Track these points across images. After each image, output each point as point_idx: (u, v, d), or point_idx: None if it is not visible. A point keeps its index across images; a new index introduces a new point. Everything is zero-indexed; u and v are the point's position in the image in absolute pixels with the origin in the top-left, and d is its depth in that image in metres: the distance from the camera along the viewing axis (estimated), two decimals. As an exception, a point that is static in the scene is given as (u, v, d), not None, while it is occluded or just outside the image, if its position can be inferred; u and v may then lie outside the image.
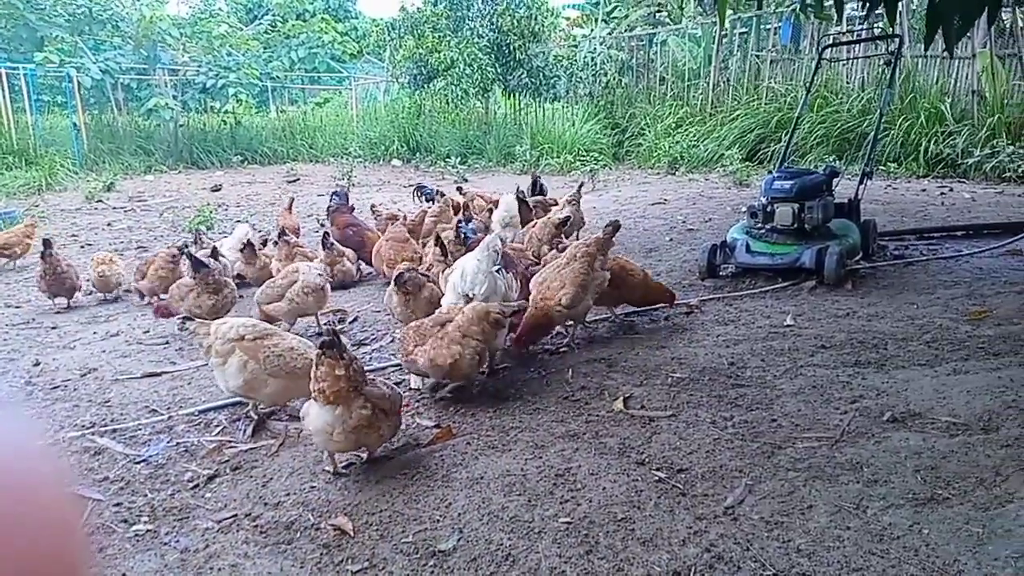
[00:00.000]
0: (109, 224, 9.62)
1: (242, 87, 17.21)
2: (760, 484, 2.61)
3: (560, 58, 16.61)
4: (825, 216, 5.48)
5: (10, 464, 0.45)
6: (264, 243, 6.39)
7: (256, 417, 3.38)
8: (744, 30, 14.97)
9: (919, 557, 2.16)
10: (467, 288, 3.71)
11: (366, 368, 3.01)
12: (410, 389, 3.71)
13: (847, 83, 13.02)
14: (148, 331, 5.01)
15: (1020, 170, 10.07)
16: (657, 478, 2.69)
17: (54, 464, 0.48)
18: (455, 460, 2.91)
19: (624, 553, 2.26)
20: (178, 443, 3.22)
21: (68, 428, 3.41)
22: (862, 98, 12.20)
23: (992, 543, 2.18)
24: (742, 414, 3.21)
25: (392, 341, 4.51)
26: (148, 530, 2.54)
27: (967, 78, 11.65)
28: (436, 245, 4.88)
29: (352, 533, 2.45)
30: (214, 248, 5.77)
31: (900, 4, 8.96)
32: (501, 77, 15.83)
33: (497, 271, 3.80)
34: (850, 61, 12.82)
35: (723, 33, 14.58)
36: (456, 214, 7.21)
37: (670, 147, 13.62)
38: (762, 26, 14.64)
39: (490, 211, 6.82)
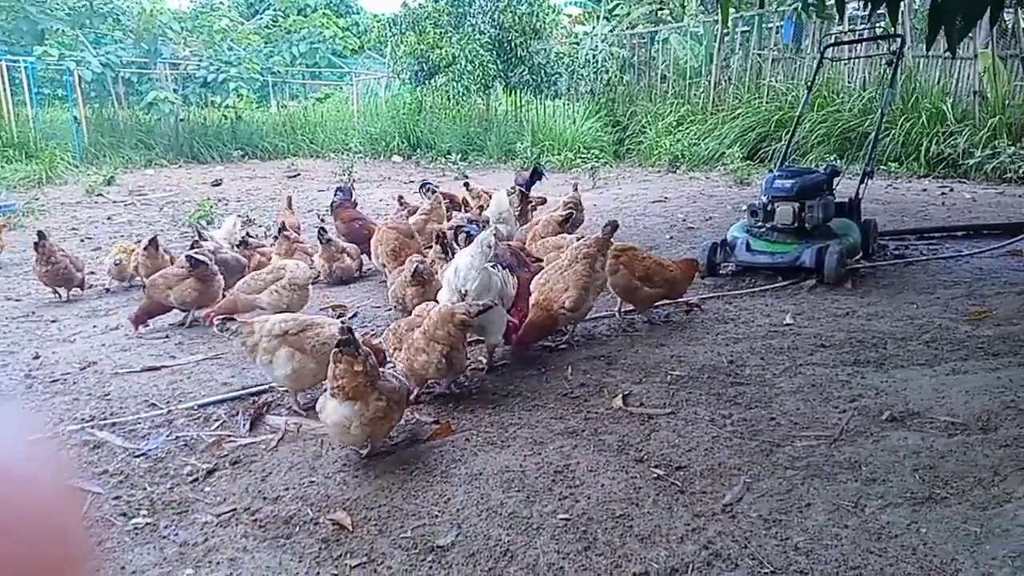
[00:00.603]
0: (109, 218, 9.62)
1: (243, 82, 17.19)
2: (758, 482, 2.62)
3: (561, 55, 16.58)
4: (825, 215, 5.48)
5: (8, 458, 0.45)
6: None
7: (298, 410, 3.42)
8: (746, 29, 14.96)
9: (917, 556, 2.16)
10: (460, 284, 3.69)
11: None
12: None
13: (849, 82, 13.02)
14: (147, 325, 5.01)
15: (1021, 171, 10.07)
16: (656, 475, 2.70)
17: (53, 457, 0.48)
18: (454, 456, 2.91)
19: (622, 550, 2.27)
20: (177, 437, 3.23)
21: (67, 421, 3.41)
22: (863, 97, 12.19)
23: (989, 542, 2.18)
24: (741, 412, 3.22)
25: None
26: (147, 523, 2.55)
27: (969, 78, 11.64)
28: (437, 243, 4.86)
29: (351, 528, 2.46)
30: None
31: (902, 4, 8.95)
32: (502, 74, 15.81)
33: (492, 267, 3.77)
34: (852, 60, 12.81)
35: (725, 31, 14.56)
36: (456, 209, 7.22)
37: (671, 145, 13.61)
38: (764, 25, 14.63)
39: (480, 209, 6.81)
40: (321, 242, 5.83)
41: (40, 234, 5.54)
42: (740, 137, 12.95)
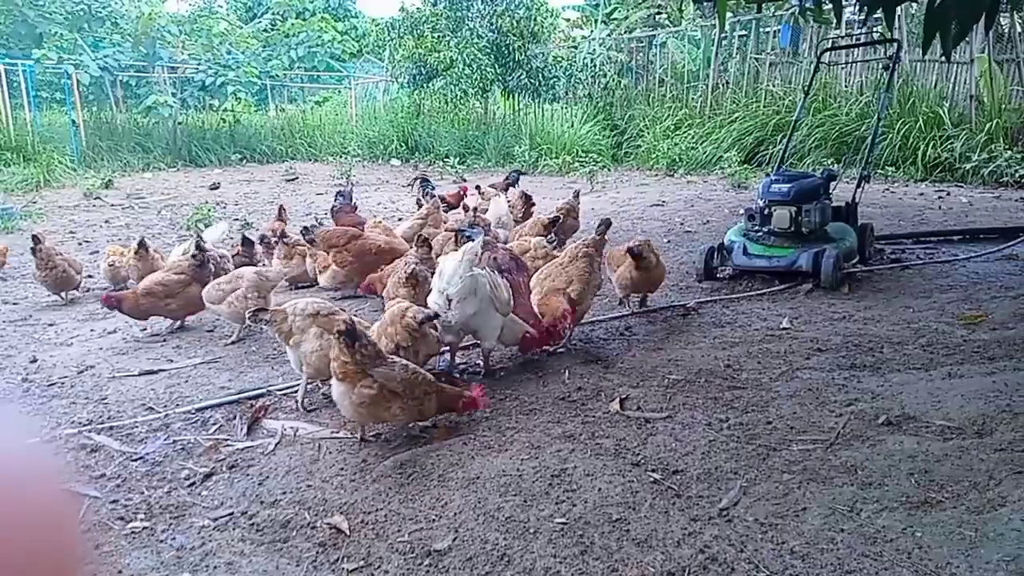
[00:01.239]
0: (107, 221, 9.62)
1: (241, 85, 17.18)
2: (754, 486, 2.63)
3: (559, 59, 16.63)
4: (822, 219, 5.50)
5: (5, 462, 0.45)
6: (262, 240, 6.35)
7: (303, 406, 3.51)
8: (743, 33, 15.00)
9: (912, 560, 2.17)
10: (443, 286, 3.71)
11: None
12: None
13: (846, 87, 13.05)
14: (145, 328, 5.01)
15: (1017, 175, 10.10)
16: (652, 479, 2.70)
17: (50, 461, 0.48)
18: (451, 460, 2.92)
19: (619, 554, 2.27)
20: (175, 441, 3.23)
21: (65, 425, 3.41)
22: (860, 102, 12.23)
23: (984, 547, 2.19)
24: (737, 416, 3.22)
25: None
26: (144, 527, 2.55)
27: (965, 83, 11.68)
28: (420, 245, 4.92)
29: (348, 532, 2.46)
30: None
31: (899, 8, 8.98)
32: (500, 77, 15.84)
33: (481, 272, 3.76)
34: (849, 65, 12.85)
35: (722, 36, 14.60)
36: (455, 207, 7.25)
37: (669, 149, 13.64)
38: (761, 29, 14.67)
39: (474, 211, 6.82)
40: (283, 243, 5.82)
41: (35, 238, 5.55)
42: (738, 141, 12.99)
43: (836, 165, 10.36)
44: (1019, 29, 11.72)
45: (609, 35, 18.14)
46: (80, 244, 8.09)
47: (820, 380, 3.59)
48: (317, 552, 2.37)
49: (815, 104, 11.97)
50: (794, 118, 7.34)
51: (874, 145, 6.54)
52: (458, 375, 3.77)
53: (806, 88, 7.15)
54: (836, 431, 3.01)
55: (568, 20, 24.03)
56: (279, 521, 2.55)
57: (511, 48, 15.36)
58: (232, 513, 2.62)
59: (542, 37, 16.16)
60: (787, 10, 12.68)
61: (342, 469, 2.91)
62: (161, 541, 2.47)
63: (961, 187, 10.34)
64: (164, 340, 4.75)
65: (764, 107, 13.35)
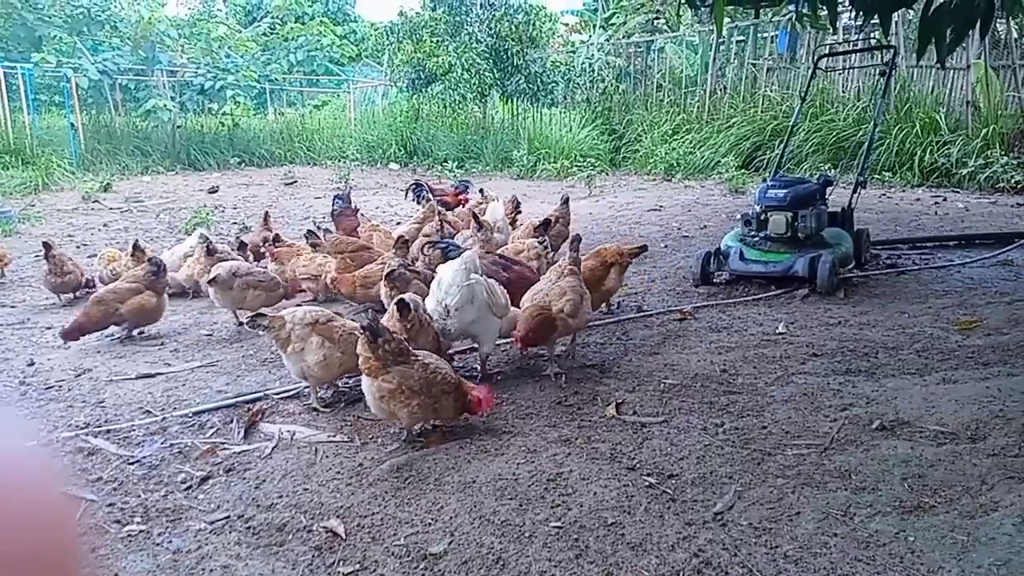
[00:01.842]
0: (105, 225, 9.62)
1: (240, 89, 17.20)
2: (749, 490, 2.64)
3: (558, 64, 16.66)
4: (818, 225, 5.52)
5: (2, 464, 0.45)
6: (242, 247, 6.32)
7: (318, 407, 3.56)
8: (741, 38, 15.06)
9: (904, 564, 2.18)
10: (441, 295, 3.76)
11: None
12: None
13: (843, 92, 13.10)
14: (143, 332, 5.02)
15: (1013, 181, 10.14)
16: (647, 484, 2.72)
17: (47, 464, 0.48)
18: (447, 464, 2.93)
19: (614, 558, 2.29)
20: (172, 444, 3.23)
21: (62, 428, 3.42)
22: (857, 107, 12.27)
23: (976, 551, 2.21)
24: (733, 421, 3.24)
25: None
26: (141, 531, 2.55)
27: (962, 89, 11.73)
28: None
29: (344, 535, 2.47)
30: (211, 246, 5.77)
31: (895, 15, 9.02)
32: (499, 82, 15.88)
33: (477, 280, 3.80)
34: (846, 71, 12.89)
35: (720, 41, 14.66)
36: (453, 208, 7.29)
37: (666, 154, 13.68)
38: (759, 35, 14.73)
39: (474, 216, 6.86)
40: (275, 247, 5.81)
41: (46, 245, 5.64)
42: (735, 146, 13.02)
43: (833, 170, 10.38)
44: (1015, 35, 11.78)
45: (607, 40, 18.18)
46: (78, 247, 8.08)
47: (815, 385, 3.60)
48: (313, 555, 2.38)
49: (812, 110, 12.01)
50: (791, 123, 7.37)
51: (870, 150, 6.57)
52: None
53: (803, 94, 7.18)
54: (831, 436, 3.03)
55: (567, 25, 24.08)
56: (275, 524, 2.56)
57: (510, 53, 15.40)
58: (228, 516, 2.62)
59: (541, 42, 16.21)
60: (784, 16, 12.73)
61: (338, 473, 2.92)
62: (157, 544, 2.47)
63: (957, 193, 10.37)
64: (162, 344, 4.76)
65: (761, 112, 13.39)
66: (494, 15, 15.43)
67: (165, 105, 15.89)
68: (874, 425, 3.10)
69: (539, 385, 3.78)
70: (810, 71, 7.58)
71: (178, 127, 16.73)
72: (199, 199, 11.76)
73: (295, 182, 14.24)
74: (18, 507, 0.44)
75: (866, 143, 6.51)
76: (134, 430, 3.39)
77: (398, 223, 8.26)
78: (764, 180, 6.28)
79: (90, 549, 2.42)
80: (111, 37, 17.05)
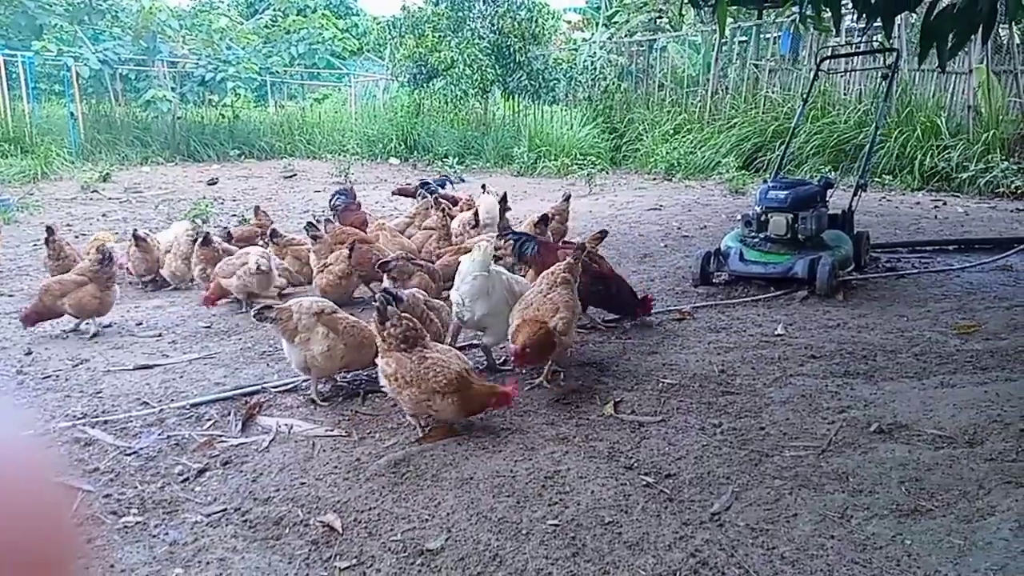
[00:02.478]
0: (104, 215, 9.60)
1: (241, 81, 17.14)
2: (746, 491, 2.64)
3: (560, 61, 16.63)
4: (818, 227, 5.53)
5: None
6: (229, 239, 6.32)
7: (316, 400, 3.57)
8: (744, 39, 15.05)
9: (901, 567, 2.18)
10: (458, 284, 3.80)
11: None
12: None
13: (844, 95, 13.10)
14: (141, 323, 5.02)
15: (1013, 186, 10.14)
16: (645, 483, 2.72)
17: (43, 454, 0.48)
18: (445, 460, 2.93)
19: (610, 556, 2.29)
20: (169, 436, 3.23)
21: (59, 418, 3.41)
22: (859, 110, 12.27)
23: (973, 555, 2.21)
24: (731, 421, 3.24)
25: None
26: (137, 522, 2.55)
27: (963, 93, 11.73)
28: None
29: (341, 530, 2.47)
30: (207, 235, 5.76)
31: (898, 18, 9.02)
32: (501, 78, 15.84)
33: (491, 275, 3.82)
34: (848, 73, 12.89)
35: (723, 41, 14.64)
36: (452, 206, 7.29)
37: (667, 153, 13.66)
38: (762, 35, 14.72)
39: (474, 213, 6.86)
40: (274, 242, 5.83)
41: (49, 229, 5.70)
42: (736, 147, 13.02)
43: (833, 173, 10.40)
44: (1017, 41, 11.79)
45: (610, 38, 18.16)
46: (77, 237, 8.06)
47: (813, 387, 3.60)
48: (310, 549, 2.38)
49: (814, 111, 12.00)
50: (792, 125, 7.37)
51: (871, 153, 6.57)
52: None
53: (805, 95, 7.18)
54: (828, 438, 3.03)
55: (569, 22, 24.07)
56: (272, 518, 2.55)
57: (512, 49, 15.37)
58: (225, 509, 2.62)
59: (543, 39, 16.16)
60: (787, 17, 12.73)
61: (336, 467, 2.92)
62: (154, 536, 2.47)
63: (957, 197, 10.38)
64: (160, 335, 4.75)
65: (763, 113, 13.38)
66: (497, 11, 15.39)
67: (165, 96, 15.84)
68: (872, 428, 3.10)
69: (537, 383, 3.77)
70: (812, 73, 7.59)
71: (178, 118, 16.68)
72: (198, 190, 11.74)
73: (295, 175, 14.21)
74: (14, 497, 0.44)
75: (867, 146, 6.51)
76: (131, 421, 3.38)
77: (396, 219, 8.24)
78: (765, 181, 6.28)
79: (86, 540, 2.41)
80: (112, 26, 17.00)
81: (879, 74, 10.10)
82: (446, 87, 15.94)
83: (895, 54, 6.87)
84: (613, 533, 2.41)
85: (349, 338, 3.53)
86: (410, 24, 16.34)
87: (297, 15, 23.08)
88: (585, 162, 13.57)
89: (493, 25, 15.42)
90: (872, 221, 8.09)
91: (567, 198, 7.08)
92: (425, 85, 16.60)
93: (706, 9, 7.04)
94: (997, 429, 3.02)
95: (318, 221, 6.26)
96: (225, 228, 7.04)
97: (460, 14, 15.95)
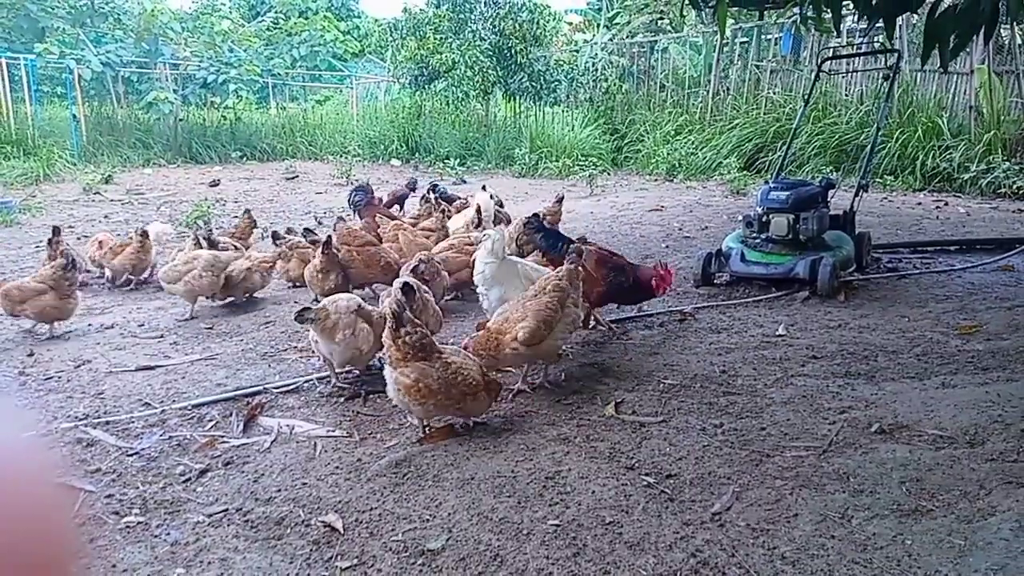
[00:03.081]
0: (106, 216, 9.61)
1: (243, 83, 17.16)
2: (747, 491, 2.64)
3: (561, 63, 16.65)
4: (820, 227, 5.53)
5: (1, 455, 0.45)
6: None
7: (340, 387, 3.72)
8: (745, 40, 15.05)
9: (901, 567, 2.18)
10: (476, 274, 4.07)
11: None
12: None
13: (846, 96, 13.10)
14: (143, 324, 5.02)
15: (1015, 186, 10.14)
16: (646, 483, 2.72)
17: (45, 455, 0.48)
18: (446, 460, 2.93)
19: (611, 556, 2.29)
20: (171, 437, 3.24)
21: (61, 419, 3.42)
22: (860, 111, 12.27)
23: (973, 555, 2.21)
24: (732, 422, 3.24)
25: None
26: (139, 522, 2.55)
27: (965, 93, 11.73)
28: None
29: (342, 530, 2.47)
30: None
31: (899, 19, 9.02)
32: (502, 80, 15.86)
33: (500, 264, 4.00)
34: (849, 74, 12.89)
35: (724, 42, 14.65)
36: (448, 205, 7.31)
37: (669, 154, 13.67)
38: (763, 36, 14.72)
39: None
40: (277, 244, 5.77)
41: (55, 229, 5.73)
42: (737, 147, 13.02)
43: (835, 173, 10.40)
44: (1019, 41, 11.77)
45: (611, 39, 18.17)
46: (78, 239, 8.07)
47: (814, 387, 3.60)
48: (311, 549, 2.38)
49: (815, 112, 12.01)
50: (794, 126, 7.37)
51: (873, 154, 6.57)
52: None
53: (806, 96, 7.18)
54: (829, 438, 3.03)
55: (570, 24, 24.06)
56: (273, 518, 2.56)
57: (513, 51, 15.39)
58: (227, 509, 2.63)
59: (544, 40, 16.17)
60: (788, 18, 12.73)
61: (337, 468, 2.92)
62: (155, 536, 2.48)
63: (959, 197, 10.37)
64: (161, 336, 4.76)
65: (764, 114, 13.39)
66: (498, 13, 15.42)
67: (167, 98, 15.86)
68: (873, 428, 3.10)
69: (538, 383, 3.78)
70: (814, 74, 7.58)
71: (180, 120, 16.70)
72: (200, 192, 11.75)
73: (296, 177, 14.22)
74: (15, 498, 0.44)
75: (868, 146, 6.51)
76: (133, 422, 3.39)
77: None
78: (766, 182, 6.28)
79: (88, 540, 2.42)
80: (114, 29, 17.03)
81: (880, 75, 10.10)
82: (447, 89, 15.96)
83: (896, 55, 6.87)
84: (614, 533, 2.41)
85: (380, 329, 3.54)
86: (411, 26, 16.35)
87: (299, 17, 23.11)
88: (586, 163, 13.58)
89: (494, 27, 15.44)
90: (874, 222, 8.09)
91: (560, 199, 7.11)
92: (427, 87, 16.62)
93: (707, 10, 7.04)
94: (998, 429, 3.02)
95: (319, 223, 6.26)
96: (209, 230, 7.00)
97: (461, 16, 15.97)
